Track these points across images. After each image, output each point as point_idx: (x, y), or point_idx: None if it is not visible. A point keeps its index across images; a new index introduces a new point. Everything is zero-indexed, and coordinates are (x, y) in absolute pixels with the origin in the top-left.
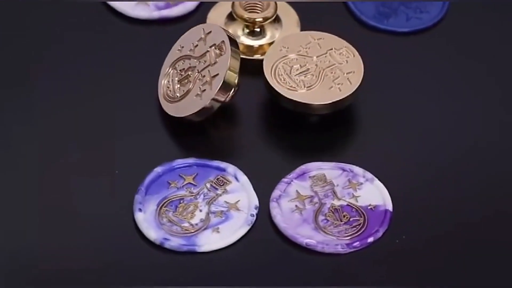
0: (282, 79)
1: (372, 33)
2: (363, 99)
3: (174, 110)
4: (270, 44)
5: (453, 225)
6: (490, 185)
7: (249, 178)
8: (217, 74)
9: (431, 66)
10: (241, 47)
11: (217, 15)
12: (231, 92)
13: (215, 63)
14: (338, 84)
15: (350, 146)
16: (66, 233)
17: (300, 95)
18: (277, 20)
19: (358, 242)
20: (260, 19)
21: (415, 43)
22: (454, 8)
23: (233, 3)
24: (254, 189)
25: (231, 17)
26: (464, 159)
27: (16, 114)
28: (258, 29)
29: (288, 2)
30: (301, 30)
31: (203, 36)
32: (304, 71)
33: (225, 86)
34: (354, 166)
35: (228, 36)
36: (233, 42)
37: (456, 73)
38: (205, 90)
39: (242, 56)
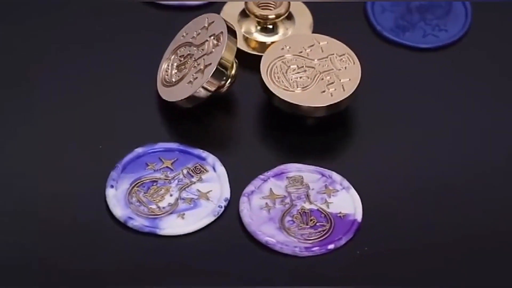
0: (277, 77)
1: (385, 45)
2: (359, 106)
3: (167, 94)
4: None
5: (421, 245)
6: (471, 210)
7: (229, 171)
8: (210, 64)
9: (432, 84)
10: (253, 44)
11: (232, 9)
12: (227, 83)
13: (210, 52)
14: (331, 89)
15: (337, 152)
16: (40, 199)
17: (291, 95)
18: (291, 19)
19: (317, 247)
20: (273, 16)
21: (425, 59)
22: (474, 30)
23: None
24: (231, 183)
25: (244, 13)
26: (448, 183)
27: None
28: (270, 26)
29: (306, 4)
30: (313, 32)
31: (206, 25)
32: (300, 72)
33: (216, 76)
34: (333, 172)
35: (227, 27)
36: (232, 34)
37: (457, 95)
38: (197, 78)
39: (253, 52)
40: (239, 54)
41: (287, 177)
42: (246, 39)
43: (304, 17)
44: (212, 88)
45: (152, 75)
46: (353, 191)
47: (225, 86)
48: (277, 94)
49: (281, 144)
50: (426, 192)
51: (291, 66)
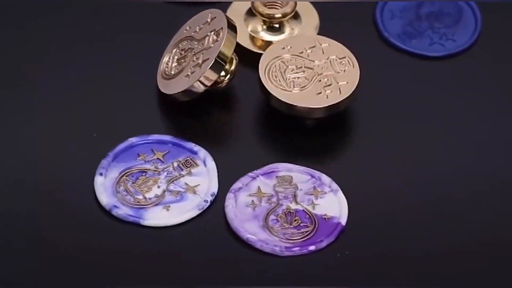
0: (274, 76)
1: (390, 50)
2: (358, 110)
3: (165, 87)
4: None
5: (403, 254)
6: (460, 224)
7: (221, 167)
8: (208, 59)
9: (434, 93)
10: (259, 42)
11: (239, 7)
12: (226, 78)
13: (209, 47)
14: (327, 91)
15: (331, 154)
16: (31, 182)
17: (287, 95)
18: (297, 19)
19: (298, 248)
20: (279, 15)
21: (429, 68)
22: (482, 41)
23: None
24: (222, 179)
25: (251, 12)
26: (441, 196)
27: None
28: (277, 25)
29: (314, 5)
30: (319, 33)
31: (208, 20)
32: (298, 72)
33: (213, 71)
34: (323, 174)
35: (228, 23)
36: (232, 30)
37: (459, 105)
38: (194, 72)
39: (259, 51)
40: (245, 52)
41: (276, 176)
42: (253, 38)
43: (311, 18)
44: (208, 83)
45: (155, 69)
46: (340, 194)
47: (224, 82)
48: (272, 93)
49: (276, 144)
50: (416, 202)
51: (290, 66)
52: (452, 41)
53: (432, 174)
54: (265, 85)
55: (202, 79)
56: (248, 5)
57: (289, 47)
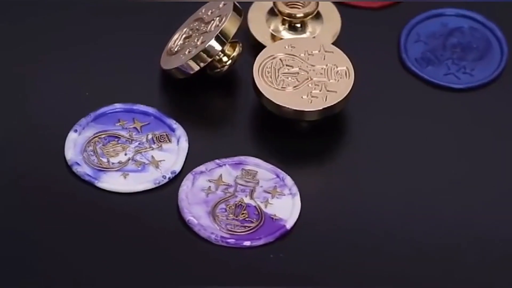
0: (267, 72)
1: (403, 73)
2: (349, 121)
3: (165, 62)
4: None
5: (332, 277)
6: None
7: (195, 149)
8: (204, 41)
9: (431, 124)
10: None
11: (263, 4)
12: (227, 63)
13: (210, 31)
14: (313, 96)
15: (308, 160)
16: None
17: (273, 92)
18: (319, 21)
19: (233, 240)
20: (300, 15)
21: (435, 97)
22: (500, 82)
23: None
24: (192, 161)
25: (273, 11)
26: (404, 230)
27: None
28: (298, 25)
29: (339, 11)
30: (336, 39)
31: (221, 6)
32: (292, 73)
33: (204, 55)
34: (288, 176)
35: (233, 11)
36: (236, 17)
37: (454, 141)
38: (190, 51)
39: None
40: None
41: (242, 169)
42: (274, 37)
43: (332, 22)
44: (202, 64)
45: (156, 60)
46: (297, 199)
47: (225, 67)
48: (259, 88)
49: (258, 139)
50: (371, 228)
51: (286, 66)
52: (470, 75)
53: (405, 206)
54: (255, 79)
55: (195, 59)
56: (271, 4)
57: (292, 47)
